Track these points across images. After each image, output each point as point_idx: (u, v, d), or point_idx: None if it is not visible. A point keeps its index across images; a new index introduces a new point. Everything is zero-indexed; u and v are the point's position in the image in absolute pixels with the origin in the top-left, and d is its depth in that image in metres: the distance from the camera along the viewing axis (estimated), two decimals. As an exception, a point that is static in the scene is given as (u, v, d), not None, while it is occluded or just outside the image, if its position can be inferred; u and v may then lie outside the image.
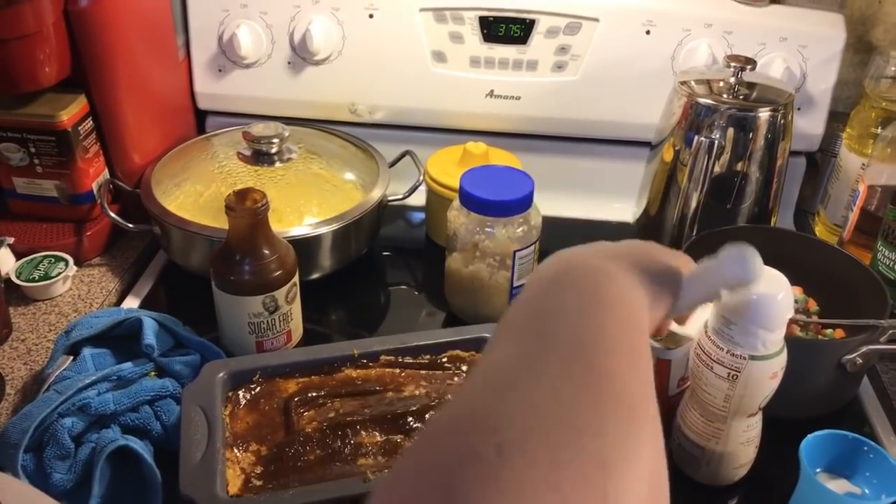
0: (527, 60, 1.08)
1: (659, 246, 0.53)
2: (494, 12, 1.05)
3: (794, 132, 0.95)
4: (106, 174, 0.98)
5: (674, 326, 0.71)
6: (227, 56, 1.09)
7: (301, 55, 1.08)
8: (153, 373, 0.76)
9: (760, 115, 0.89)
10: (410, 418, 0.73)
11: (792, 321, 0.83)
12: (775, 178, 0.94)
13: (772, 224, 0.98)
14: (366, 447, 0.69)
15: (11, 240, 0.92)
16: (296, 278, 0.81)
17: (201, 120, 1.16)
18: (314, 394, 0.75)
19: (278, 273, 0.79)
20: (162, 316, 0.79)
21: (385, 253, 1.06)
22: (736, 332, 0.64)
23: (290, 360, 0.78)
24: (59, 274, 0.91)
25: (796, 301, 0.86)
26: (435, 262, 0.96)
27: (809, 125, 1.08)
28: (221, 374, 0.74)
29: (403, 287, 1.03)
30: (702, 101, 0.90)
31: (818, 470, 0.69)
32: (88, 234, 0.97)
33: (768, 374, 0.65)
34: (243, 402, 0.74)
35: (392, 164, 1.05)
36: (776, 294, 0.62)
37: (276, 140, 0.96)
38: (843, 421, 0.81)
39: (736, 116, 0.89)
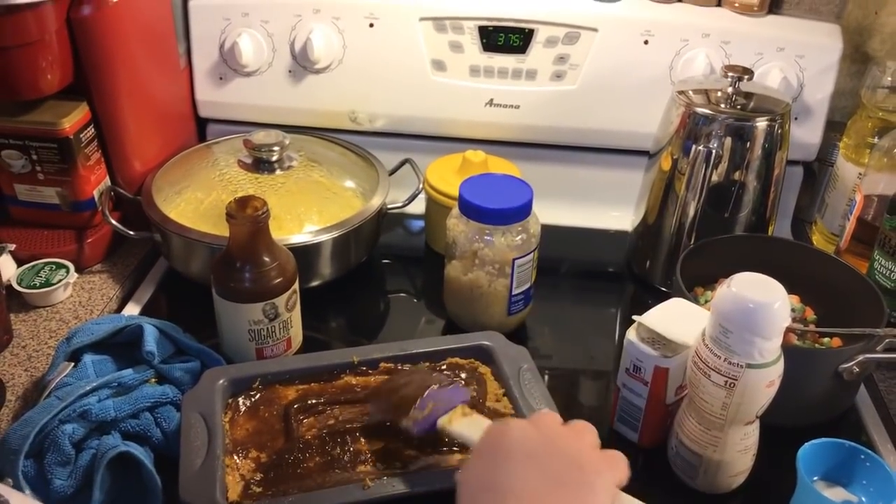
0: (526, 70, 1.09)
1: None
2: (494, 22, 1.06)
3: (792, 142, 0.95)
4: (107, 181, 0.99)
5: (672, 334, 0.72)
6: (228, 64, 1.10)
7: (302, 63, 1.09)
8: (153, 379, 0.76)
9: (758, 124, 0.90)
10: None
11: (789, 330, 0.83)
12: (773, 187, 0.95)
13: (769, 233, 0.98)
14: (365, 454, 0.70)
15: (13, 246, 0.93)
16: (296, 286, 0.82)
17: (202, 128, 1.17)
18: (314, 401, 0.75)
19: (278, 280, 0.79)
20: (162, 323, 0.80)
21: (384, 261, 1.06)
22: (733, 340, 0.64)
23: (290, 367, 0.78)
24: (60, 281, 0.91)
25: (793, 310, 0.87)
26: (434, 270, 0.96)
27: (806, 135, 1.08)
28: (221, 381, 0.75)
29: (403, 295, 1.03)
30: (699, 110, 0.90)
31: (815, 478, 0.69)
32: (89, 241, 0.97)
33: (765, 383, 0.65)
34: (243, 409, 0.74)
35: (392, 172, 1.05)
36: (773, 303, 0.63)
37: (276, 148, 0.96)
38: (840, 429, 0.81)
39: (733, 126, 0.90)
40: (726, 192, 0.93)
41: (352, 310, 0.97)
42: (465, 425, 0.67)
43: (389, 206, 1.00)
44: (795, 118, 1.07)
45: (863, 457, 0.69)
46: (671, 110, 0.94)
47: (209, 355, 0.79)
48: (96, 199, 0.97)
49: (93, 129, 0.95)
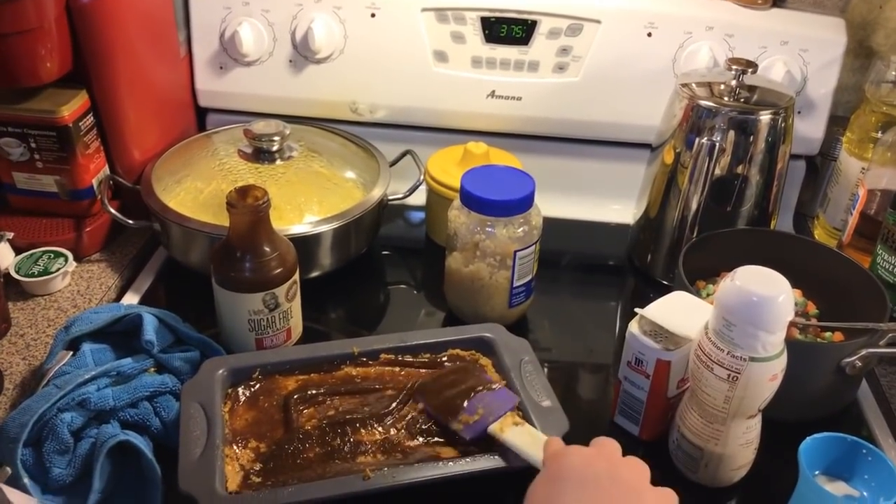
0: (528, 61, 1.08)
1: None
2: (496, 13, 1.06)
3: (795, 136, 0.95)
4: (106, 170, 0.98)
5: (675, 327, 0.72)
6: (229, 53, 1.09)
7: (303, 53, 1.08)
8: (153, 369, 0.75)
9: (761, 117, 0.89)
10: (409, 416, 0.73)
11: (791, 324, 0.83)
12: (775, 181, 0.94)
13: (771, 227, 0.98)
14: (365, 445, 0.69)
15: (11, 235, 0.92)
16: (296, 276, 0.81)
17: (202, 117, 1.16)
18: (314, 391, 0.75)
19: (279, 270, 0.79)
20: (162, 312, 0.79)
21: (385, 252, 1.06)
22: (736, 333, 0.64)
23: (290, 358, 0.78)
24: (59, 269, 0.90)
25: (796, 304, 0.86)
26: (434, 262, 0.96)
27: (809, 129, 1.08)
28: (221, 371, 0.75)
29: (403, 286, 1.03)
30: (703, 103, 0.90)
31: (817, 472, 0.69)
32: (88, 229, 0.97)
33: (768, 376, 0.65)
34: (243, 399, 0.74)
35: (393, 164, 1.05)
36: (777, 296, 0.63)
37: (277, 138, 0.96)
38: (842, 424, 0.80)
39: (737, 119, 0.89)
40: (729, 186, 0.93)
41: (352, 301, 0.97)
42: (517, 434, 0.68)
43: (390, 198, 1.00)
44: (798, 112, 1.06)
45: (864, 451, 0.68)
46: (674, 103, 0.94)
47: (209, 345, 0.79)
48: (95, 187, 0.96)
49: (92, 118, 0.94)
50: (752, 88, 0.93)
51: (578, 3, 1.05)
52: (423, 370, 0.78)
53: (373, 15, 1.06)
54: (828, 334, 0.85)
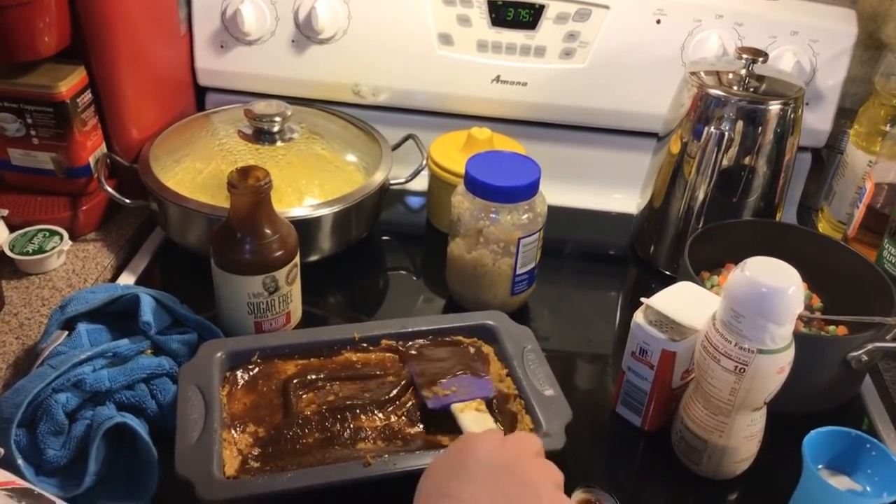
0: (535, 46, 1.06)
1: None
2: (503, -4, 1.04)
3: (802, 127, 0.94)
4: (103, 148, 0.96)
5: (681, 317, 0.71)
6: (230, 32, 1.07)
7: (305, 33, 1.06)
8: (149, 350, 0.74)
9: (771, 107, 0.88)
10: (410, 403, 0.72)
11: (797, 317, 0.82)
12: (783, 172, 0.93)
13: (777, 219, 0.97)
14: (365, 431, 0.69)
15: (5, 212, 0.91)
16: (297, 259, 0.80)
17: (201, 96, 1.14)
18: (313, 376, 0.74)
19: (279, 253, 0.77)
20: (160, 293, 0.78)
21: (385, 237, 1.05)
22: (745, 325, 0.63)
23: (290, 342, 0.77)
24: (54, 248, 0.89)
25: (801, 297, 0.86)
26: (435, 248, 0.95)
27: (817, 121, 1.07)
28: (219, 354, 0.73)
29: (403, 272, 1.02)
30: (712, 91, 0.89)
31: (820, 466, 0.69)
32: (84, 208, 0.95)
33: (776, 369, 0.64)
34: (241, 383, 0.73)
35: (395, 148, 1.04)
36: (787, 288, 0.62)
37: (278, 119, 0.94)
38: (845, 418, 0.80)
39: (746, 109, 0.88)
40: (736, 177, 0.92)
41: (351, 286, 0.96)
42: (471, 419, 0.68)
43: (392, 182, 0.99)
44: (807, 104, 1.05)
45: (868, 446, 0.68)
46: (682, 91, 0.93)
47: (207, 327, 0.78)
48: (92, 165, 0.94)
49: (90, 94, 0.92)
50: (761, 78, 0.92)
51: (586, -12, 1.04)
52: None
53: (378, -5, 1.05)
54: (831, 328, 0.84)
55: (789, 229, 0.94)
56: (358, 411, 0.70)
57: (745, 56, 0.90)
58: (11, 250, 0.88)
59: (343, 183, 0.93)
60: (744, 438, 0.70)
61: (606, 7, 1.04)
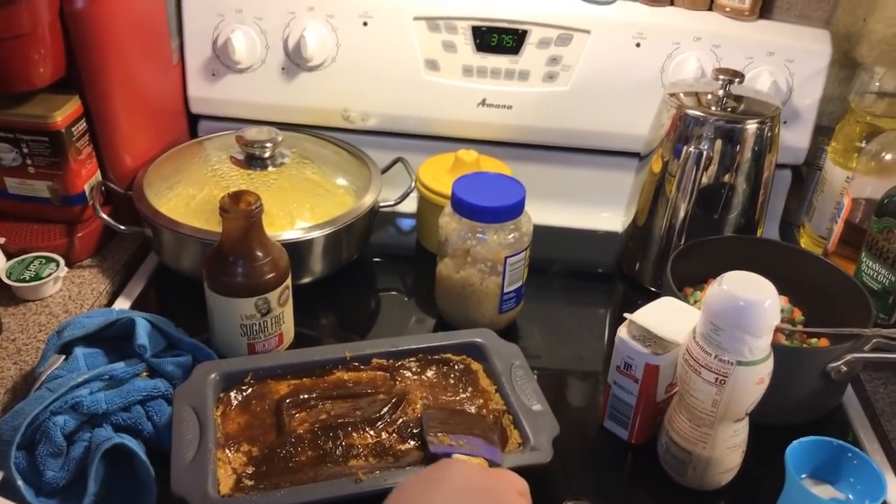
0: (519, 70, 1.09)
1: None
2: (487, 22, 1.07)
3: (781, 145, 0.96)
4: (98, 176, 0.98)
5: (663, 332, 0.73)
6: (221, 60, 1.09)
7: (295, 61, 1.09)
8: (145, 373, 0.76)
9: (748, 127, 0.91)
10: (401, 420, 0.73)
11: (778, 330, 0.84)
12: (762, 189, 0.95)
13: (758, 235, 0.99)
14: (357, 448, 0.70)
15: (2, 240, 0.92)
16: (288, 281, 0.82)
17: (194, 124, 1.16)
18: (306, 396, 0.75)
19: (271, 276, 0.79)
20: (154, 317, 0.80)
21: (376, 259, 1.07)
22: (723, 337, 0.65)
23: (282, 362, 0.78)
24: (50, 275, 0.91)
25: (782, 311, 0.88)
26: (425, 269, 0.96)
27: (795, 139, 1.10)
28: (213, 375, 0.75)
29: (394, 293, 1.04)
30: (690, 112, 0.91)
31: (803, 476, 0.70)
32: (80, 235, 0.97)
33: (755, 380, 0.66)
34: (235, 403, 0.74)
35: (384, 171, 1.06)
36: (763, 300, 0.64)
37: (269, 144, 0.96)
38: (828, 428, 0.82)
39: (724, 128, 0.91)
40: (716, 194, 0.94)
41: (343, 307, 0.97)
42: None
43: (381, 205, 1.01)
44: (784, 122, 1.08)
45: (850, 455, 0.69)
46: (662, 112, 0.95)
47: (201, 350, 0.79)
48: (87, 193, 0.96)
49: (84, 123, 0.94)
50: (738, 98, 0.95)
51: (568, 13, 1.07)
52: (415, 375, 0.79)
53: (365, 24, 1.07)
54: (814, 340, 0.86)
55: (770, 245, 0.96)
56: (350, 429, 0.71)
57: (722, 77, 0.92)
58: (8, 277, 0.90)
59: (333, 206, 0.95)
60: (727, 449, 0.71)
61: (587, 31, 1.06)
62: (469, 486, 0.53)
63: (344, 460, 0.69)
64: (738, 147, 0.91)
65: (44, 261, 0.92)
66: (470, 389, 0.78)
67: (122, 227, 0.95)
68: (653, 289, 1.00)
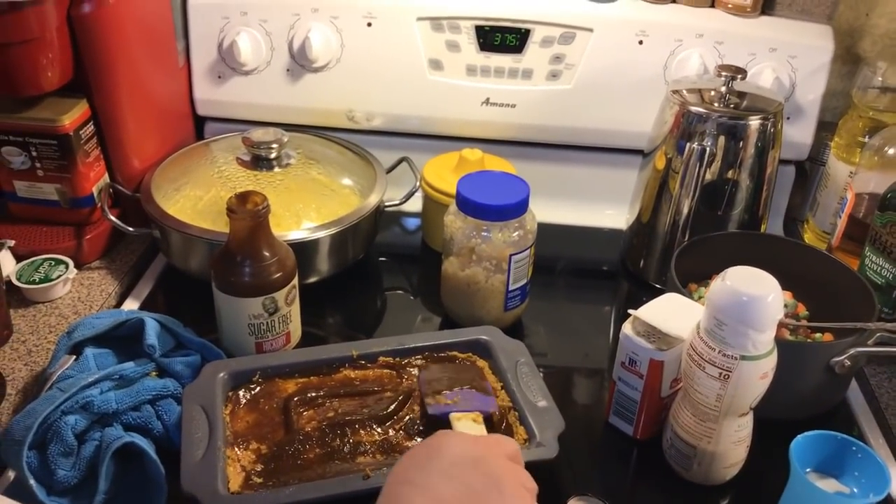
0: (522, 69, 1.10)
1: None
2: (491, 22, 1.07)
3: (784, 141, 0.96)
4: (106, 178, 0.99)
5: (667, 327, 0.73)
6: (227, 63, 1.10)
7: (300, 62, 1.10)
8: (154, 373, 0.76)
9: (751, 123, 0.91)
10: (408, 417, 0.74)
11: (782, 325, 0.84)
12: (765, 185, 0.96)
13: (762, 231, 1.00)
14: (364, 445, 0.71)
15: (12, 242, 0.93)
16: (295, 280, 0.83)
17: (200, 126, 1.17)
18: (313, 394, 0.76)
19: (278, 275, 0.80)
20: (163, 317, 0.80)
21: (381, 258, 1.07)
22: (727, 332, 0.65)
23: (290, 361, 0.79)
24: (60, 276, 0.91)
25: (786, 306, 0.88)
26: (431, 268, 0.97)
27: (799, 134, 1.10)
28: (222, 375, 0.76)
29: (399, 292, 1.04)
30: (693, 109, 0.92)
31: (808, 469, 0.70)
32: (88, 237, 0.98)
33: (759, 374, 0.66)
34: (243, 402, 0.75)
35: (389, 171, 1.06)
36: (766, 296, 0.64)
37: (275, 145, 0.97)
38: (832, 422, 0.82)
39: (727, 125, 0.91)
40: (719, 191, 0.94)
41: (349, 306, 0.98)
42: (465, 428, 0.70)
43: (386, 204, 1.01)
44: (787, 118, 1.08)
45: (854, 448, 0.70)
46: (665, 109, 0.95)
47: (210, 349, 0.80)
48: (95, 195, 0.97)
49: (92, 126, 0.95)
50: (741, 94, 0.95)
51: (571, 11, 1.07)
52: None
53: (369, 24, 1.08)
54: (818, 335, 0.86)
55: (773, 240, 0.96)
56: (357, 426, 0.72)
57: (724, 73, 0.93)
58: (19, 280, 0.91)
59: (339, 206, 0.96)
60: (732, 444, 0.72)
61: (590, 30, 1.07)
62: (459, 459, 0.54)
63: (352, 457, 0.70)
64: (742, 143, 0.92)
65: (53, 263, 0.93)
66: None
67: (131, 229, 0.96)
68: (657, 285, 1.01)
